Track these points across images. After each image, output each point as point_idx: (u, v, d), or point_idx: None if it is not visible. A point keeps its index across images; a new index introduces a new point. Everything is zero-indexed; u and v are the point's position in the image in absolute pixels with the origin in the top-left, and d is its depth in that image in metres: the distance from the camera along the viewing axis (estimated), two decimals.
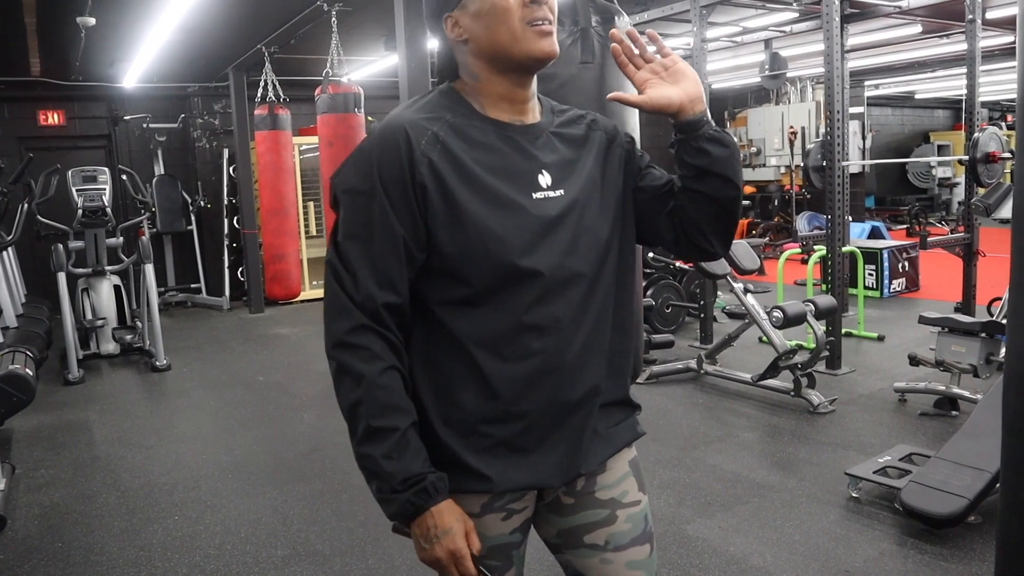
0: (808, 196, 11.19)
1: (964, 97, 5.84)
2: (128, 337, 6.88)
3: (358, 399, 1.25)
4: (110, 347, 6.87)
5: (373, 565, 3.11)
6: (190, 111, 9.63)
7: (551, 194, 1.34)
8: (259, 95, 7.15)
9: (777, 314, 4.78)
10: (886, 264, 8.09)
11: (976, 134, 5.36)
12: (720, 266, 5.13)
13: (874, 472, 3.46)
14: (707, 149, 1.36)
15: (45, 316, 7.00)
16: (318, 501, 3.73)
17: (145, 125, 9.26)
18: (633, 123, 1.93)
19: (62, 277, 6.29)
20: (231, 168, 9.43)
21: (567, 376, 1.33)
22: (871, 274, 8.06)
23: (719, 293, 7.15)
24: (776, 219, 12.23)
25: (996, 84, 12.42)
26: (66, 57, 7.47)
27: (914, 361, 4.81)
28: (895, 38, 8.53)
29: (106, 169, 7.24)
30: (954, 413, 4.44)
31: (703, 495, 3.61)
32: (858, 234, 9.61)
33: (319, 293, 9.13)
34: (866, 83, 12.82)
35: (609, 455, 1.45)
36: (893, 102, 16.03)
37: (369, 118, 8.54)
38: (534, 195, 1.32)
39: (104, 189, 6.98)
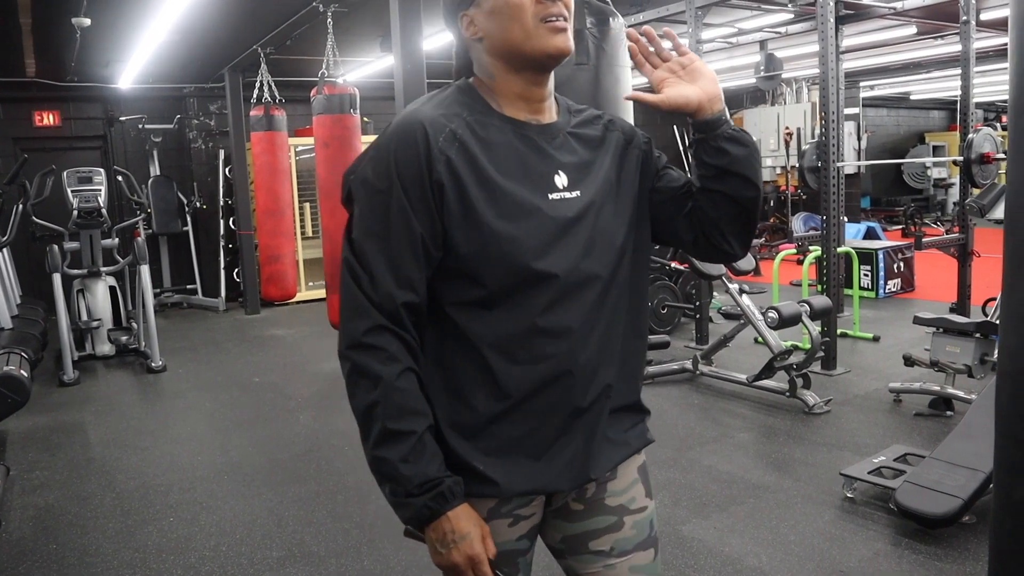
0: (804, 197, 11.22)
1: (959, 98, 5.86)
2: (124, 338, 6.86)
3: (375, 401, 1.23)
4: (105, 348, 6.86)
5: (368, 566, 3.11)
6: (186, 112, 9.62)
7: (567, 195, 1.32)
8: (255, 96, 7.14)
9: (772, 315, 4.79)
10: (881, 264, 8.11)
11: (970, 135, 5.37)
12: (716, 267, 5.13)
13: (869, 472, 3.47)
14: (726, 148, 1.34)
15: (40, 317, 6.98)
16: (313, 502, 3.73)
17: (141, 126, 9.24)
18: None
19: (57, 278, 6.28)
20: (227, 169, 9.42)
21: (579, 379, 1.32)
22: (867, 275, 8.07)
23: (715, 294, 7.15)
24: (772, 220, 12.25)
25: (991, 85, 12.45)
26: (61, 58, 7.45)
27: (909, 361, 4.82)
28: (890, 39, 8.55)
29: (101, 170, 7.22)
30: (949, 413, 4.46)
31: (699, 496, 3.61)
32: (854, 235, 9.63)
33: (315, 294, 9.20)
34: (861, 84, 12.86)
35: (619, 461, 1.44)
36: (888, 103, 16.08)
37: (365, 119, 8.56)
38: (550, 196, 1.30)
39: (99, 190, 6.97)
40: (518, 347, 1.28)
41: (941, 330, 4.57)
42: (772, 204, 12.31)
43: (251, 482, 4.03)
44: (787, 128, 11.59)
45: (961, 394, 4.38)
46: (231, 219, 9.39)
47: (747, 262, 5.32)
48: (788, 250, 7.39)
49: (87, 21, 5.71)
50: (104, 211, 6.96)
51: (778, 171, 12.00)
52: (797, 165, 8.70)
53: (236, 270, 9.37)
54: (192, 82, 9.31)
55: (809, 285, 6.59)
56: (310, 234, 9.49)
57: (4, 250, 6.91)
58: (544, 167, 1.32)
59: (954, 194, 14.62)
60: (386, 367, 1.23)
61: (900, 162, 15.10)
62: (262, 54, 6.97)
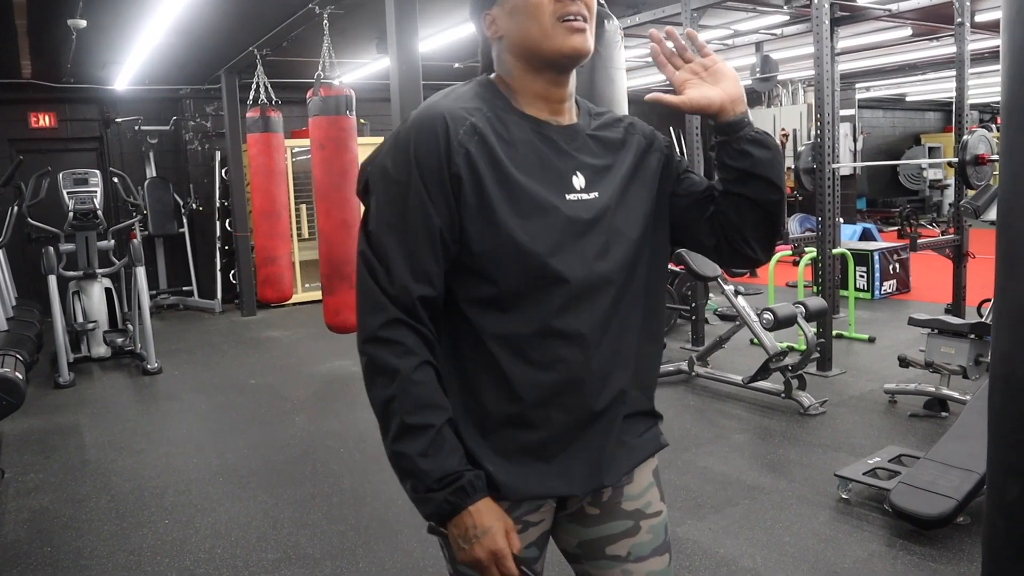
0: (799, 198, 11.21)
1: (954, 100, 5.87)
2: (119, 340, 6.85)
3: (392, 395, 1.21)
4: (101, 350, 6.84)
5: (363, 568, 3.11)
6: (182, 113, 9.62)
7: (584, 196, 1.30)
8: (251, 98, 7.14)
9: (768, 316, 4.79)
10: (877, 266, 8.12)
11: (965, 136, 5.38)
12: (711, 268, 5.14)
13: (864, 473, 3.47)
14: (749, 151, 1.33)
15: (35, 319, 6.96)
16: (309, 505, 3.73)
17: (137, 127, 9.23)
18: None
19: (53, 280, 6.26)
20: (223, 171, 9.41)
21: (592, 384, 1.30)
22: (862, 276, 8.09)
23: (710, 295, 7.16)
24: None
25: (986, 87, 12.48)
26: (57, 59, 7.44)
27: (904, 362, 4.83)
28: (885, 41, 8.56)
29: (97, 171, 7.22)
30: (944, 414, 4.47)
31: (694, 497, 3.62)
32: (850, 236, 9.64)
33: (311, 296, 9.19)
34: (857, 85, 12.87)
35: (633, 466, 1.42)
36: (884, 104, 16.09)
37: (361, 121, 8.56)
38: (567, 196, 1.29)
39: (95, 191, 6.96)
40: (530, 348, 1.27)
41: (936, 331, 4.58)
42: None
43: (246, 484, 4.03)
44: (783, 130, 11.60)
45: (956, 395, 4.39)
46: (227, 221, 9.39)
47: None
48: (784, 251, 7.39)
49: (83, 23, 5.70)
50: (100, 213, 6.95)
51: None
52: (793, 167, 8.71)
53: (232, 272, 9.36)
54: (188, 84, 9.30)
55: (805, 286, 6.60)
56: (306, 236, 9.49)
57: (0, 252, 6.89)
58: (562, 167, 1.31)
59: (950, 195, 14.63)
60: (403, 360, 1.21)
61: (896, 163, 15.13)
62: (258, 56, 6.97)
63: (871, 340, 6.36)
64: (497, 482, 1.28)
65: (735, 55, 8.94)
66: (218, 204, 9.52)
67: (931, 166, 15.36)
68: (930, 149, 16.18)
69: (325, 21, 5.42)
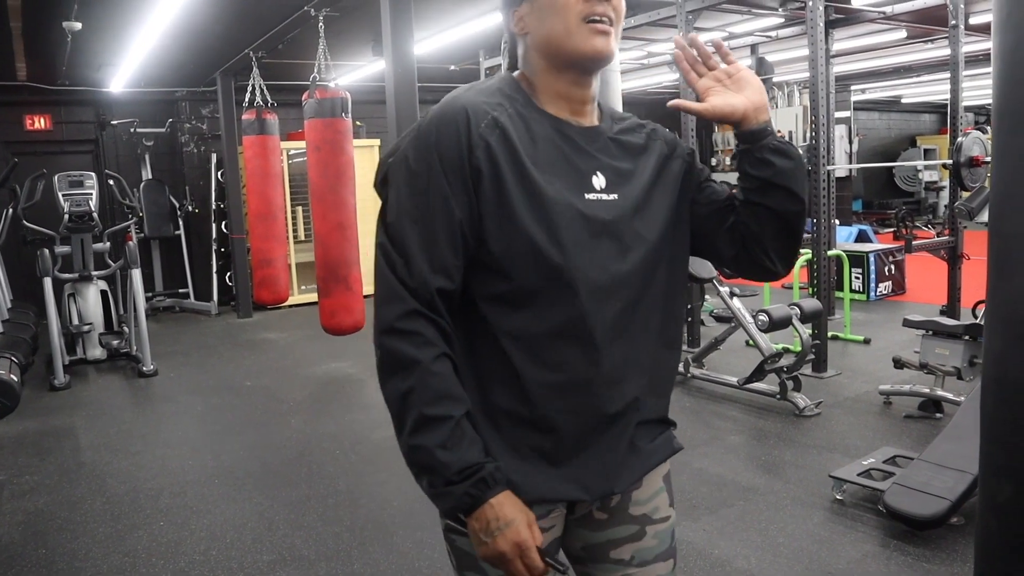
0: None
1: (948, 102, 5.88)
2: (115, 342, 6.85)
3: (410, 387, 1.19)
4: (97, 352, 6.84)
5: (358, 570, 3.11)
6: (178, 116, 9.61)
7: (604, 197, 1.29)
8: (247, 100, 7.14)
9: (763, 318, 4.80)
10: (872, 267, 8.14)
11: (960, 138, 5.39)
12: (707, 269, 5.14)
13: (858, 474, 3.48)
14: (771, 160, 1.31)
15: (31, 321, 6.94)
16: (304, 506, 3.73)
17: (132, 130, 9.22)
18: None
19: (48, 282, 6.26)
20: (219, 173, 9.40)
21: (604, 388, 1.29)
22: (858, 277, 8.10)
23: (706, 297, 7.17)
24: None
25: (981, 88, 12.51)
26: (52, 61, 7.44)
27: (899, 364, 4.84)
28: (880, 43, 8.59)
29: (93, 174, 7.22)
30: (938, 415, 4.47)
31: (689, 498, 3.62)
32: (845, 237, 9.66)
33: (307, 298, 9.19)
34: (853, 87, 12.90)
35: (644, 472, 1.41)
36: (880, 106, 16.14)
37: (357, 123, 8.57)
38: (586, 195, 1.28)
39: (91, 194, 6.95)
40: (541, 348, 1.25)
41: (930, 333, 4.59)
42: None
43: (242, 486, 4.02)
44: (779, 131, 11.52)
45: (950, 396, 4.40)
46: (223, 223, 9.38)
47: None
48: None
49: (78, 25, 5.69)
50: (95, 215, 6.94)
51: None
52: None
53: (228, 274, 9.35)
54: (184, 86, 9.30)
55: (800, 288, 6.61)
56: (302, 238, 9.49)
57: None
58: (583, 166, 1.29)
59: (945, 197, 14.68)
60: (421, 351, 1.20)
61: (891, 165, 15.16)
62: (254, 58, 6.97)
63: (866, 341, 6.37)
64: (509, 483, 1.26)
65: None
66: (214, 206, 9.52)
67: (926, 168, 15.40)
68: (925, 151, 16.23)
69: (321, 23, 5.42)
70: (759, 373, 4.86)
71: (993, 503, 1.42)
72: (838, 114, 10.74)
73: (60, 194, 6.86)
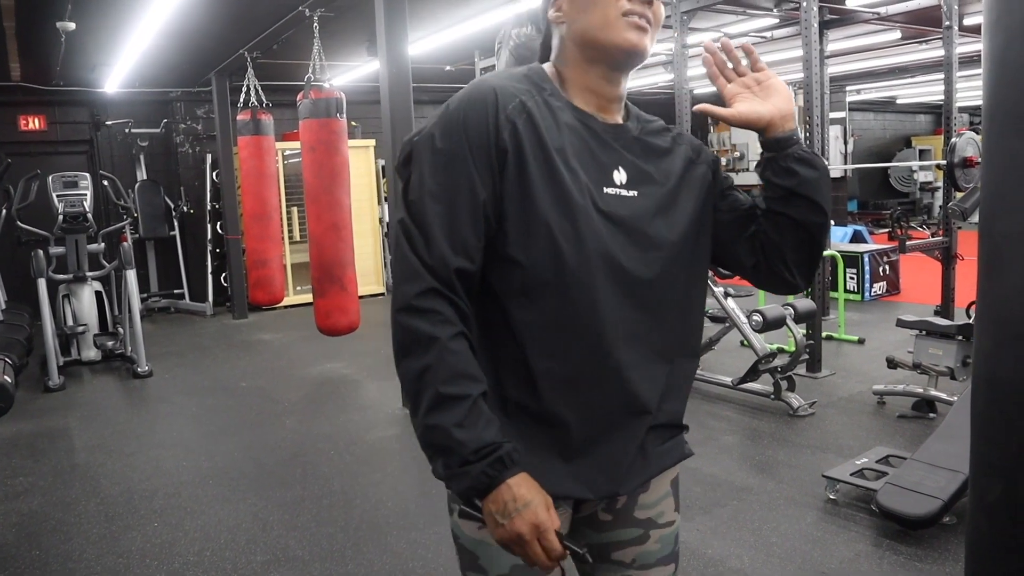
0: None
1: (943, 102, 5.90)
2: (109, 343, 6.84)
3: (427, 365, 1.17)
4: (91, 353, 6.82)
5: (353, 570, 3.11)
6: (173, 116, 9.60)
7: (624, 192, 1.28)
8: (242, 100, 7.14)
9: (757, 318, 4.81)
10: (867, 268, 8.16)
11: (954, 139, 5.41)
12: None
13: (851, 474, 3.49)
14: (795, 169, 1.30)
15: (26, 322, 6.94)
16: (298, 507, 3.73)
17: (127, 130, 9.20)
18: None
19: (42, 283, 6.25)
20: (214, 173, 9.40)
21: (615, 387, 1.27)
22: (852, 278, 8.12)
23: None
24: None
25: (975, 90, 12.54)
26: (47, 62, 7.42)
27: (892, 364, 4.85)
28: (874, 44, 8.61)
29: (87, 174, 7.20)
30: (931, 415, 4.49)
31: (683, 498, 3.58)
32: (840, 238, 9.69)
33: (302, 299, 9.19)
34: (848, 88, 12.92)
35: (652, 476, 1.40)
36: (875, 107, 16.18)
37: (352, 123, 8.56)
38: (605, 189, 1.27)
39: (85, 194, 6.94)
40: (551, 340, 1.24)
41: (923, 332, 4.60)
42: None
43: (236, 487, 4.02)
44: None
45: (944, 396, 4.41)
46: (218, 224, 9.38)
47: None
48: None
49: (72, 25, 5.69)
50: (90, 216, 6.92)
51: None
52: None
53: (223, 275, 9.35)
54: (179, 86, 9.29)
55: None
56: (297, 238, 9.48)
57: None
58: (605, 159, 1.29)
59: (940, 198, 14.72)
60: (439, 329, 1.18)
61: (886, 165, 15.19)
62: (249, 58, 6.97)
63: (860, 342, 6.39)
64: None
65: None
66: (209, 207, 9.51)
67: (921, 168, 15.43)
68: (920, 151, 16.26)
69: (315, 24, 5.43)
70: (753, 373, 4.86)
71: (983, 502, 1.43)
72: (833, 115, 10.77)
73: (54, 195, 6.84)
